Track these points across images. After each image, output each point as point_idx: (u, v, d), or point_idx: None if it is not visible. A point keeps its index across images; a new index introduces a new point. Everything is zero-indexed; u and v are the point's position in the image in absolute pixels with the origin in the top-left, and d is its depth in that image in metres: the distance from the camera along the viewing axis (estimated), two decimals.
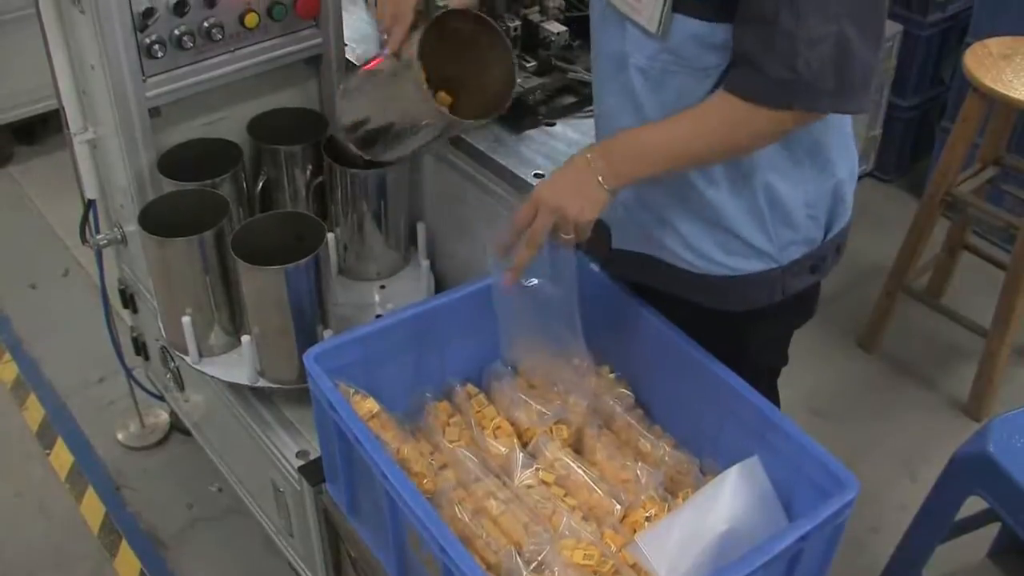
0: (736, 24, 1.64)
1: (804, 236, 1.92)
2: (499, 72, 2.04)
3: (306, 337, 2.30)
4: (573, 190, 1.72)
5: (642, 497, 1.89)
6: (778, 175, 1.83)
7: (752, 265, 1.92)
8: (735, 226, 1.87)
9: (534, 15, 2.39)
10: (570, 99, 2.37)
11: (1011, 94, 3.09)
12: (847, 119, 1.89)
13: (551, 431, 2.01)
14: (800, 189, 1.86)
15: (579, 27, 2.42)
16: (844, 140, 1.91)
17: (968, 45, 3.39)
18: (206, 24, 2.31)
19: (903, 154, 4.39)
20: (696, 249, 1.93)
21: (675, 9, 1.67)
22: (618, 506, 1.87)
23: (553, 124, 2.31)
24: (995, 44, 3.29)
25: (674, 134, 1.72)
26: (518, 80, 2.29)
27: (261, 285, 2.25)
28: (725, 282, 1.95)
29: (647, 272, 2.04)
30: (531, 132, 2.29)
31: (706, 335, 1.99)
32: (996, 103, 3.23)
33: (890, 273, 3.56)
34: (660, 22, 1.69)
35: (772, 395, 2.26)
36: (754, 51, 1.62)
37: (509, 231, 1.77)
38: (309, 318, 2.30)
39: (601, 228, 2.04)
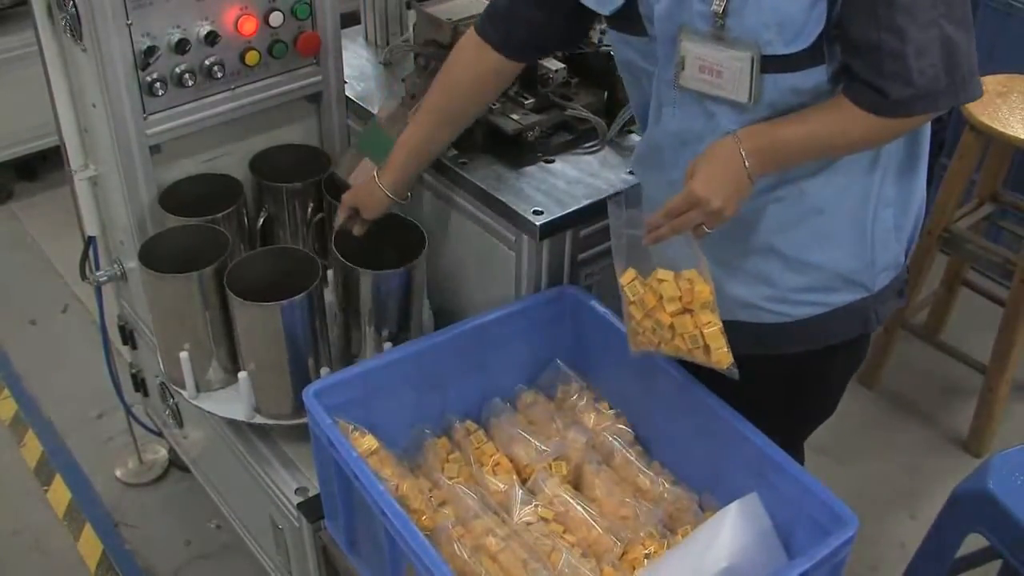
0: (843, 53, 1.67)
1: (894, 260, 1.94)
2: None
3: (302, 373, 2.31)
4: (730, 189, 1.71)
5: (641, 534, 1.89)
6: (883, 200, 1.86)
7: (843, 298, 1.93)
8: (832, 261, 1.88)
9: None
10: (568, 136, 2.38)
11: (1007, 131, 3.10)
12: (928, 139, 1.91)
13: (550, 467, 2.01)
14: (890, 211, 1.88)
15: (577, 65, 2.43)
16: (926, 159, 1.93)
17: None
18: (207, 62, 2.33)
19: None
20: (788, 298, 1.93)
21: (764, 71, 1.69)
22: (617, 543, 1.87)
23: (552, 161, 2.32)
24: (991, 82, 3.30)
25: (814, 133, 1.72)
26: (516, 117, 2.31)
27: (256, 321, 2.25)
28: (815, 320, 1.94)
29: (738, 341, 1.89)
30: (530, 169, 2.30)
31: (768, 383, 1.97)
32: (993, 140, 3.24)
33: None
34: (751, 90, 1.71)
35: (799, 447, 2.27)
36: (869, 76, 1.64)
37: (658, 216, 1.75)
38: (305, 354, 2.30)
39: None
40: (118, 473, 3.31)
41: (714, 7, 1.67)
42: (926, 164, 1.93)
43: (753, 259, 1.90)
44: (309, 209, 2.53)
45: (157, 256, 2.31)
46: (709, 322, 1.80)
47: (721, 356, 1.81)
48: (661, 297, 1.81)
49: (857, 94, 1.67)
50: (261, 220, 2.55)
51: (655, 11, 1.76)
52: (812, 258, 1.88)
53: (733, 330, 1.86)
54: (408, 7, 2.76)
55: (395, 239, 2.33)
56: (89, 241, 2.69)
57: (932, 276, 3.56)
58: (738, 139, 1.71)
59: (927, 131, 1.89)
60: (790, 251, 1.87)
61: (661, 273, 1.81)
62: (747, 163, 1.70)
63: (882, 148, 1.81)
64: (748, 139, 1.72)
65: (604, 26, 2.49)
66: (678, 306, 1.80)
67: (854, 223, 1.86)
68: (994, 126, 3.12)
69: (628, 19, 1.84)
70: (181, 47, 2.27)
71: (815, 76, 1.69)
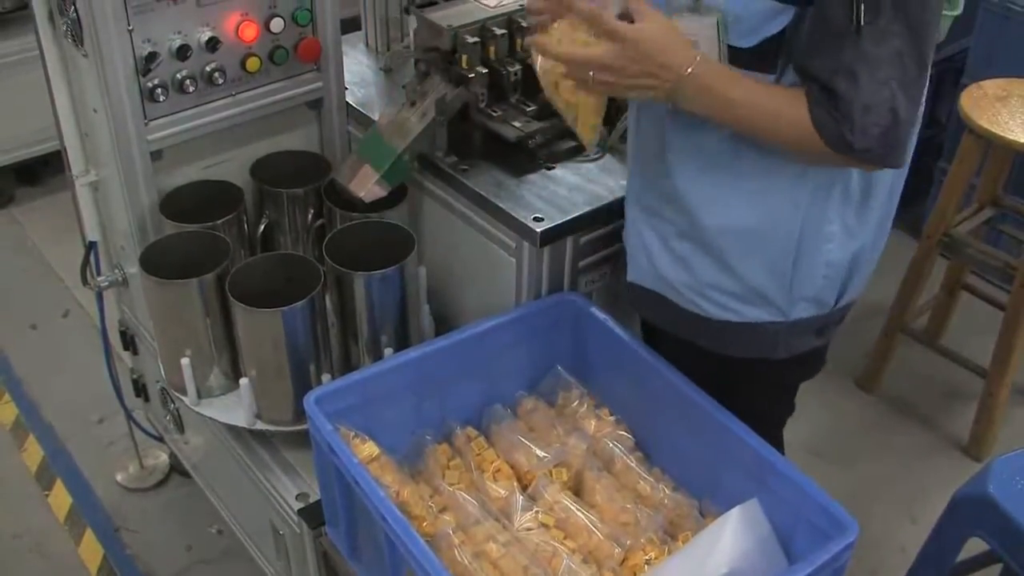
0: (800, 77, 1.69)
1: (816, 296, 1.93)
2: None
3: (303, 379, 2.31)
4: (650, 73, 1.71)
5: (642, 540, 1.89)
6: (822, 233, 1.86)
7: (758, 314, 1.93)
8: (750, 271, 1.89)
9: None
10: (570, 143, 2.38)
11: (1007, 135, 3.11)
12: (897, 183, 1.92)
13: (551, 473, 2.01)
14: (830, 247, 1.88)
15: None
16: (884, 206, 1.93)
17: (964, 87, 3.42)
18: (208, 68, 2.33)
19: (901, 194, 4.39)
20: (704, 293, 1.95)
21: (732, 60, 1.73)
22: (618, 549, 1.87)
23: (552, 167, 2.32)
24: (991, 86, 3.31)
25: (757, 106, 1.71)
26: (518, 124, 2.31)
27: (258, 327, 2.25)
28: (728, 327, 1.96)
29: (656, 310, 2.06)
30: (530, 175, 2.30)
31: (709, 378, 2.00)
32: (992, 145, 3.24)
33: (889, 313, 3.56)
34: (720, 56, 1.74)
35: (775, 443, 2.27)
36: (820, 106, 1.66)
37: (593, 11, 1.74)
38: (306, 360, 2.31)
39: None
40: (119, 478, 3.31)
41: None
42: (884, 212, 1.94)
43: (686, 243, 1.93)
44: (310, 215, 2.53)
45: (158, 262, 2.31)
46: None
47: (586, 131, 1.85)
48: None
49: (813, 109, 1.67)
50: (262, 226, 2.55)
51: None
52: (736, 262, 1.89)
53: (657, 301, 2.03)
54: (407, 12, 2.76)
55: (386, 246, 2.32)
56: (90, 246, 2.69)
57: (932, 280, 3.56)
58: (697, 58, 1.70)
59: (888, 182, 1.89)
60: (723, 248, 1.89)
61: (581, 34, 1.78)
62: (683, 81, 1.70)
63: (835, 184, 1.82)
64: (705, 66, 1.71)
65: None
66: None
67: (783, 242, 1.86)
68: (993, 130, 3.12)
69: None
70: (182, 53, 2.28)
71: (762, 79, 1.73)
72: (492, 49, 2.35)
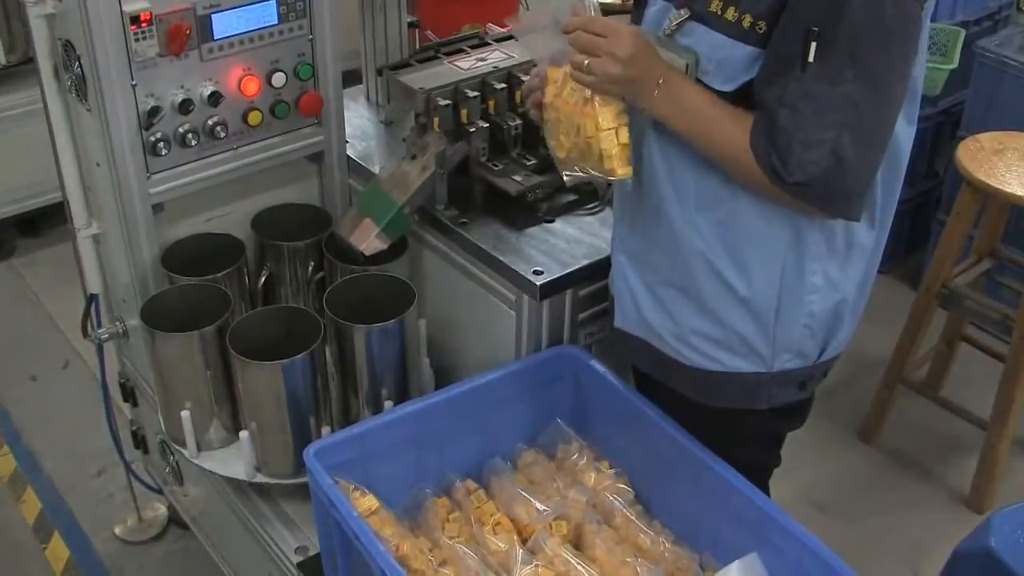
0: (755, 101, 1.71)
1: (798, 348, 1.93)
2: None
3: (303, 432, 2.31)
4: (630, 83, 1.75)
5: None
6: (806, 285, 1.86)
7: (740, 364, 1.93)
8: (733, 316, 1.89)
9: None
10: (570, 197, 2.40)
11: (1004, 188, 3.12)
12: (881, 238, 1.92)
13: (550, 527, 2.01)
14: (813, 298, 1.88)
15: None
16: (869, 261, 1.93)
17: (961, 139, 3.43)
18: (210, 122, 2.35)
19: (899, 246, 4.41)
20: (688, 341, 1.95)
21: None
22: None
23: (552, 221, 2.34)
24: (987, 139, 3.33)
25: (714, 122, 1.74)
26: (519, 178, 2.33)
27: (258, 380, 2.26)
28: (711, 376, 1.96)
29: (642, 356, 2.07)
30: (530, 229, 2.31)
31: (695, 427, 2.01)
32: (989, 197, 3.26)
33: (889, 365, 3.56)
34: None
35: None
36: (762, 134, 1.68)
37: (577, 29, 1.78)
38: (306, 413, 2.31)
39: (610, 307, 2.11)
40: (117, 531, 3.29)
41: (671, 19, 1.77)
42: (868, 267, 1.94)
43: (671, 290, 1.94)
44: (310, 268, 2.55)
45: (159, 314, 2.32)
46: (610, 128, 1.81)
47: (614, 160, 1.80)
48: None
49: (753, 135, 1.70)
50: (263, 279, 2.56)
51: (647, 13, 1.87)
52: (718, 306, 1.89)
53: (642, 347, 2.02)
54: (379, 74, 2.78)
55: (387, 299, 2.33)
56: (91, 299, 2.70)
57: (932, 332, 3.56)
58: (663, 74, 1.75)
59: (871, 237, 1.89)
60: (706, 292, 1.90)
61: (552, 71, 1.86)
62: (657, 92, 1.74)
63: (819, 234, 1.82)
64: (670, 78, 1.75)
65: None
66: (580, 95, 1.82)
67: (765, 288, 1.86)
68: (990, 183, 3.14)
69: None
70: (184, 107, 2.30)
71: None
72: (465, 112, 2.37)
